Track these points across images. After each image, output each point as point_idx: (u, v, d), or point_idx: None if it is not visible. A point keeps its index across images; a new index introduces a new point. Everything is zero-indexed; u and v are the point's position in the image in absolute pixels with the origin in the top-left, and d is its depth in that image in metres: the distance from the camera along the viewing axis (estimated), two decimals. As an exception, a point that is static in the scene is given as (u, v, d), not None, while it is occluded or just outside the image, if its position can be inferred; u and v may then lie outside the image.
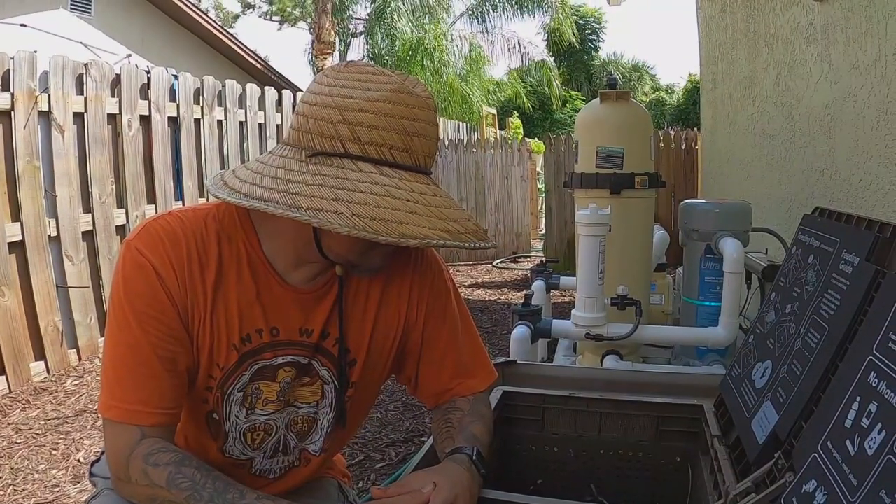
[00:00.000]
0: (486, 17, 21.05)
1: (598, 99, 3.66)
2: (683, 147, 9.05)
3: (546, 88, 22.60)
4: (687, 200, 3.71)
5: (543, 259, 8.62)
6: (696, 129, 9.29)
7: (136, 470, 1.23)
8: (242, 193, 1.22)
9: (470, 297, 7.47)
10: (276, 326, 1.38)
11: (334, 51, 17.48)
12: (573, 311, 3.30)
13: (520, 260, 10.15)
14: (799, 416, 1.29)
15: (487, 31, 21.15)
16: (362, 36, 20.09)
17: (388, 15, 18.33)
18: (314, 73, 19.98)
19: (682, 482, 1.74)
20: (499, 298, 7.50)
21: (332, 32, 16.99)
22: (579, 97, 29.07)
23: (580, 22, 29.75)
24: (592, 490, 1.83)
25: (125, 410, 1.26)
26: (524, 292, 3.76)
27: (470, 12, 21.22)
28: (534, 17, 21.58)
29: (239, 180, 1.26)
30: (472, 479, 1.31)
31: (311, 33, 20.58)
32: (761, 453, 1.35)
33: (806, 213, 1.80)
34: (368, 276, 1.43)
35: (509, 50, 21.51)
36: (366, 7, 20.09)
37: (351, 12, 20.41)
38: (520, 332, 3.21)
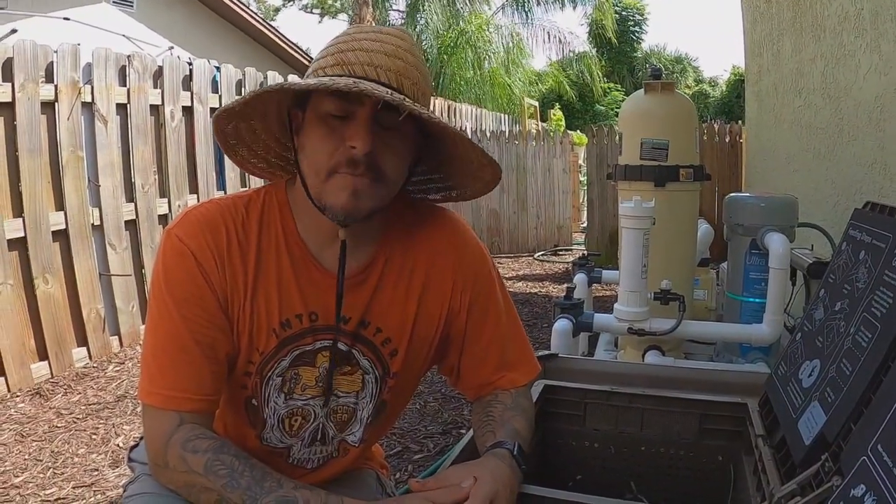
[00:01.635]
0: (528, 7, 20.95)
1: (642, 90, 3.62)
2: (728, 140, 8.95)
3: (588, 78, 22.46)
4: (732, 194, 3.66)
5: (585, 252, 8.58)
6: (739, 122, 9.18)
7: (173, 456, 1.24)
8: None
9: (511, 290, 7.41)
10: (315, 311, 1.38)
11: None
12: (615, 305, 3.27)
13: (561, 253, 10.11)
14: (848, 417, 1.25)
15: (529, 22, 21.07)
16: (401, 28, 20.10)
17: (423, 7, 18.35)
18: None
19: (724, 482, 1.71)
20: (539, 291, 7.47)
21: (373, 24, 17.02)
22: (618, 88, 28.86)
23: (623, 13, 29.54)
24: (632, 487, 1.81)
25: (164, 396, 1.27)
26: (565, 285, 3.74)
27: (512, 3, 21.13)
28: (575, 7, 21.48)
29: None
30: (513, 475, 1.29)
31: (351, 25, 20.65)
32: (807, 455, 1.32)
33: (857, 208, 1.76)
34: (341, 220, 1.30)
35: (550, 41, 21.42)
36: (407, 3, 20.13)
37: (391, 3, 20.44)
38: (561, 325, 3.19)
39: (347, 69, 1.23)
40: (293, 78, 1.20)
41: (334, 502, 1.18)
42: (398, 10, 20.79)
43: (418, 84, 1.29)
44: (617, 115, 24.43)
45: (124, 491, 1.49)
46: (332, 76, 1.22)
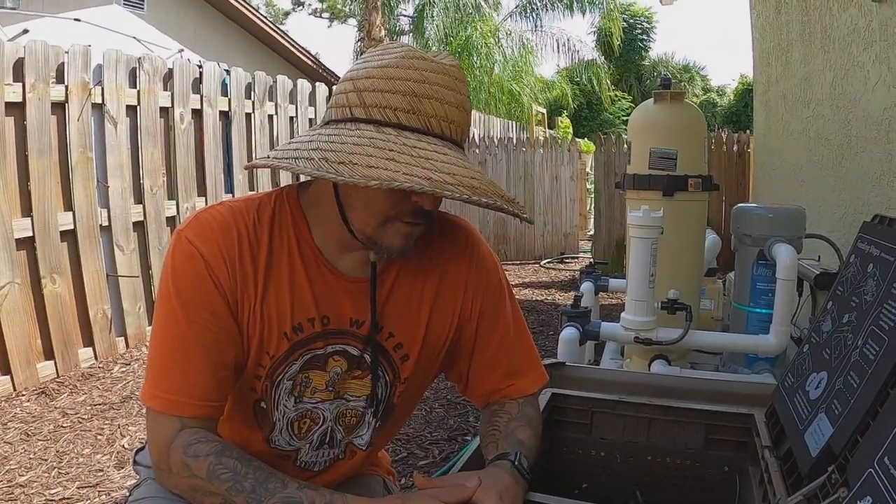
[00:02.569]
0: (537, 14, 20.97)
1: (651, 99, 3.62)
2: (735, 150, 8.94)
3: (596, 87, 22.46)
4: (740, 205, 3.65)
5: (592, 260, 8.57)
6: (748, 131, 9.17)
7: (176, 461, 1.24)
8: (255, 159, 1.26)
9: (517, 297, 7.42)
10: (328, 315, 1.38)
11: (384, 47, 17.56)
12: (622, 314, 3.27)
13: (567, 260, 10.10)
14: (855, 429, 1.25)
15: (537, 29, 21.08)
16: (410, 34, 20.17)
17: (428, 15, 18.39)
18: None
19: (729, 492, 1.71)
20: (546, 298, 7.47)
21: (383, 29, 17.05)
22: (624, 97, 28.86)
23: (630, 21, 29.53)
24: (638, 497, 1.81)
25: (167, 400, 1.27)
26: (572, 293, 3.74)
27: (520, 10, 21.15)
28: (584, 15, 21.49)
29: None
30: (516, 484, 1.29)
31: (360, 31, 20.68)
32: (814, 467, 1.32)
33: (865, 221, 1.76)
34: (393, 259, 1.37)
35: (558, 48, 21.43)
36: (414, 4, 20.18)
37: (401, 10, 20.49)
38: (568, 333, 3.19)
39: (424, 121, 1.19)
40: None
41: (338, 501, 1.18)
42: (407, 16, 20.85)
43: (465, 128, 1.28)
44: (624, 124, 24.36)
45: (130, 494, 1.49)
46: (409, 127, 1.19)
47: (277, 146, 1.29)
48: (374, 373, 1.44)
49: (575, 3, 20.65)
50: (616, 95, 28.15)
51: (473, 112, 13.52)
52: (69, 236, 4.65)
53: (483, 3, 19.42)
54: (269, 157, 1.23)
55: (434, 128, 1.20)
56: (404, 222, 1.27)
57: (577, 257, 10.26)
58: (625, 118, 25.80)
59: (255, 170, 6.45)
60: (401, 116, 1.19)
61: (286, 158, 1.18)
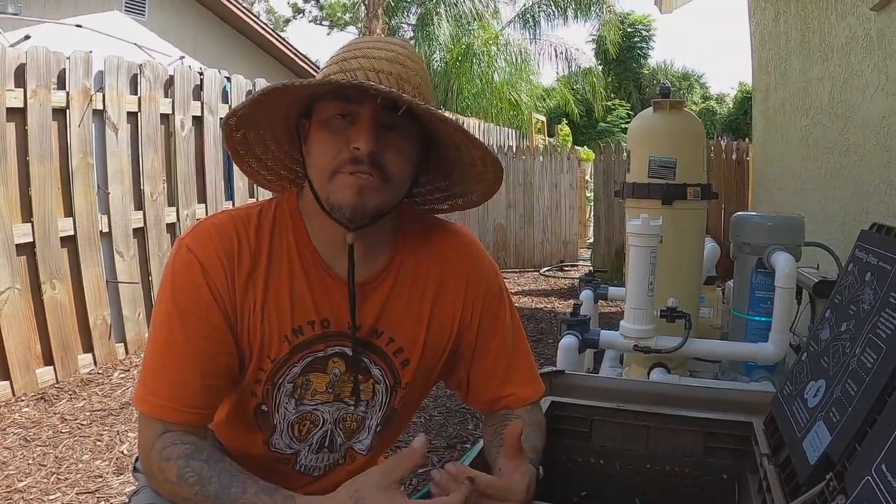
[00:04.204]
0: (536, 23, 21.01)
1: (650, 108, 3.63)
2: (734, 158, 8.94)
3: (591, 96, 22.49)
4: (739, 213, 3.66)
5: (591, 268, 8.58)
6: (747, 139, 9.18)
7: (154, 464, 1.26)
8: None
9: (516, 305, 7.37)
10: (328, 318, 1.39)
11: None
12: (622, 323, 3.27)
13: (566, 268, 10.10)
14: (853, 437, 1.26)
15: (537, 38, 21.12)
16: (411, 41, 20.22)
17: (430, 23, 18.42)
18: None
19: (728, 500, 1.72)
20: (545, 306, 7.47)
21: (381, 36, 17.09)
22: (622, 104, 28.89)
23: (629, 30, 29.57)
24: (637, 504, 1.81)
25: (153, 404, 1.29)
26: (571, 301, 3.74)
27: (520, 18, 21.19)
28: (583, 23, 21.54)
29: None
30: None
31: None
32: (812, 474, 1.32)
33: (863, 229, 1.77)
34: (348, 219, 1.32)
35: (556, 57, 21.46)
36: (414, 14, 20.23)
37: (402, 17, 20.53)
38: (568, 341, 3.19)
39: (350, 75, 1.24)
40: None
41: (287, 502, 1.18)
42: (408, 24, 20.89)
43: (419, 89, 1.31)
44: (622, 131, 24.35)
45: (129, 501, 1.50)
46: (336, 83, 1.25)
47: None
48: (356, 366, 1.43)
49: (574, 11, 20.68)
50: (612, 104, 28.14)
51: (473, 120, 13.55)
52: (69, 242, 4.65)
53: (484, 12, 19.45)
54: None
55: (361, 77, 1.24)
56: (345, 173, 1.27)
57: (576, 265, 10.27)
58: (623, 126, 25.81)
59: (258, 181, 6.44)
60: (332, 78, 1.24)
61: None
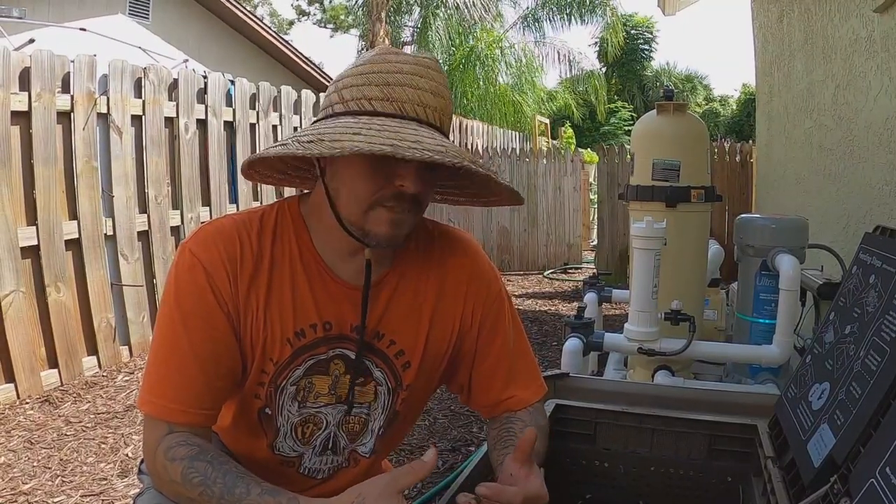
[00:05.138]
0: (539, 25, 21.02)
1: (654, 111, 3.63)
2: (738, 160, 8.93)
3: (594, 99, 22.48)
4: (743, 215, 3.66)
5: (595, 271, 8.56)
6: (750, 141, 9.16)
7: (159, 465, 1.26)
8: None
9: (520, 307, 7.44)
10: (330, 321, 1.40)
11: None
12: (626, 325, 3.27)
13: (570, 271, 10.09)
14: (857, 439, 1.26)
15: (539, 41, 21.11)
16: (413, 45, 20.23)
17: (429, 27, 18.45)
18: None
19: (733, 503, 1.72)
20: (549, 309, 7.47)
21: (387, 40, 17.09)
22: (625, 107, 28.88)
23: (632, 32, 29.57)
24: (641, 507, 1.81)
25: (158, 406, 1.29)
26: (575, 304, 3.74)
27: (523, 21, 21.19)
28: (587, 25, 21.53)
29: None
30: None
31: (363, 41, 20.72)
32: (817, 477, 1.32)
33: (867, 232, 1.77)
34: (383, 249, 1.38)
35: (560, 59, 21.45)
36: (410, 25, 20.28)
37: (405, 21, 20.55)
38: (572, 344, 3.19)
39: (398, 106, 1.25)
40: (339, 128, 1.17)
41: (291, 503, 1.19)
42: (410, 27, 20.89)
43: (451, 118, 1.33)
44: (625, 134, 24.30)
45: (133, 503, 1.50)
46: (383, 113, 1.24)
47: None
48: (357, 372, 1.44)
49: (577, 13, 20.67)
50: (616, 107, 28.15)
51: (476, 122, 13.55)
52: (74, 245, 4.66)
53: (485, 15, 19.45)
54: (254, 154, 1.31)
55: (409, 112, 1.26)
56: (387, 207, 1.29)
57: (580, 268, 10.25)
58: (626, 128, 25.81)
59: (257, 181, 6.46)
60: (375, 105, 1.25)
61: (267, 149, 1.26)
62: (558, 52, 21.28)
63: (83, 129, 4.66)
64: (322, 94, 7.58)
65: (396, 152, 1.14)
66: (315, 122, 1.31)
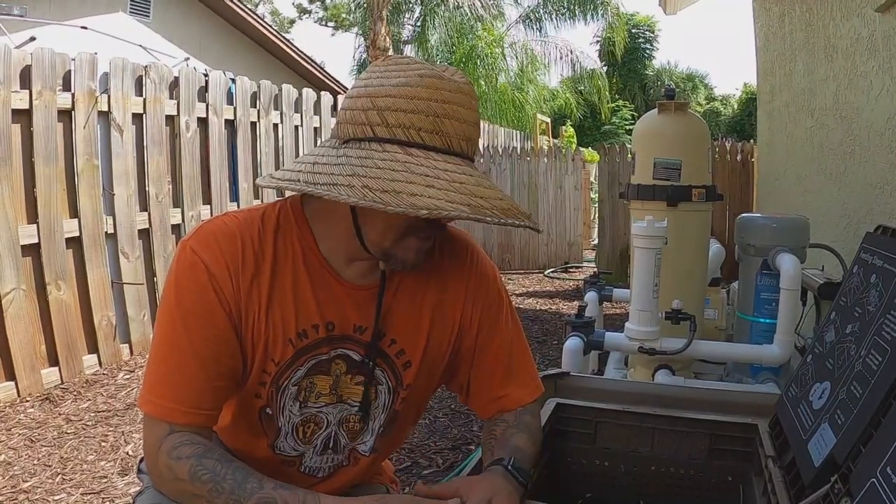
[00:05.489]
0: (541, 24, 21.02)
1: (655, 110, 3.62)
2: (739, 159, 8.92)
3: (596, 98, 22.47)
4: (744, 214, 3.65)
5: (596, 270, 8.56)
6: (752, 141, 9.16)
7: (162, 464, 1.25)
8: (275, 178, 1.27)
9: (521, 306, 7.44)
10: (332, 322, 1.39)
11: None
12: (627, 324, 3.27)
13: (571, 270, 10.10)
14: (858, 439, 1.26)
15: (542, 40, 21.11)
16: (412, 44, 20.26)
17: (430, 25, 18.45)
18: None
19: (733, 502, 1.72)
20: (550, 308, 7.47)
21: (388, 38, 17.08)
22: (626, 106, 28.88)
23: (633, 31, 29.56)
24: (641, 506, 1.81)
25: (159, 406, 1.28)
26: (576, 303, 3.74)
27: (524, 19, 21.19)
28: (587, 24, 21.56)
29: (281, 171, 1.30)
30: (510, 487, 1.32)
31: (364, 39, 20.71)
32: (817, 476, 1.32)
33: (868, 231, 1.77)
34: (407, 270, 1.41)
35: (561, 58, 21.44)
36: (416, 17, 20.28)
37: (405, 19, 20.55)
38: (573, 343, 3.19)
39: (446, 140, 1.23)
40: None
41: (311, 501, 1.19)
42: (411, 25, 20.89)
43: None
44: (626, 133, 24.29)
45: (133, 502, 1.50)
46: (432, 148, 1.22)
47: (298, 160, 1.29)
48: (371, 377, 1.45)
49: (578, 12, 20.67)
50: (617, 106, 28.16)
51: (477, 121, 13.53)
52: (74, 243, 4.66)
53: (484, 14, 19.44)
54: (298, 181, 1.23)
55: (454, 147, 1.24)
56: (420, 237, 1.31)
57: (580, 267, 10.26)
58: (627, 127, 25.81)
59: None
60: (424, 137, 1.21)
61: (322, 184, 1.18)
62: (560, 51, 21.28)
63: (84, 127, 4.66)
64: (323, 93, 7.60)
65: (476, 216, 1.16)
66: (351, 140, 1.25)
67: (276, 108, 6.77)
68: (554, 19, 20.98)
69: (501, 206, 1.20)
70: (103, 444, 3.68)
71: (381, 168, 1.17)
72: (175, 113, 5.48)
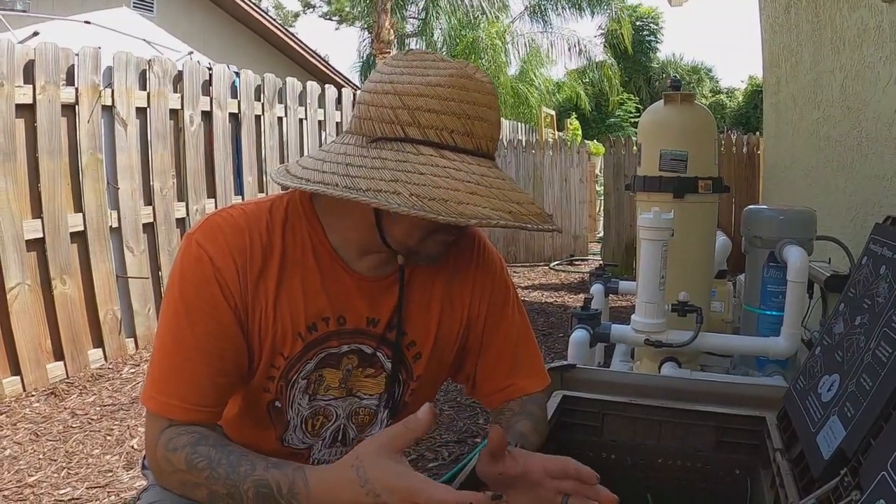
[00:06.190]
0: (546, 16, 20.99)
1: (661, 101, 3.60)
2: (745, 151, 8.91)
3: (606, 88, 22.41)
4: (751, 206, 3.64)
5: (601, 262, 8.55)
6: (757, 133, 9.14)
7: (161, 458, 1.24)
8: (303, 179, 1.23)
9: (527, 299, 7.43)
10: (343, 315, 1.38)
11: (393, 49, 17.57)
12: (633, 317, 3.26)
13: (577, 262, 10.10)
14: (867, 432, 1.25)
15: (548, 31, 21.10)
16: (416, 37, 20.25)
17: (434, 17, 18.45)
18: (365, 72, 20.29)
19: (741, 495, 1.71)
20: (555, 301, 7.46)
21: (392, 31, 17.08)
22: (631, 99, 28.83)
23: (638, 23, 29.49)
24: (648, 500, 1.80)
25: (161, 402, 1.27)
26: (582, 295, 3.73)
27: (530, 11, 21.16)
28: (592, 16, 21.52)
29: (301, 167, 1.27)
30: None
31: (369, 32, 20.69)
32: (826, 469, 1.31)
33: (878, 222, 1.76)
34: (428, 264, 1.42)
35: (569, 49, 21.41)
36: (419, 9, 20.28)
37: (409, 12, 20.55)
38: (579, 335, 3.18)
39: (476, 143, 1.22)
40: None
41: (299, 477, 1.15)
42: (414, 18, 20.88)
43: None
44: (631, 126, 24.27)
45: (139, 498, 1.50)
46: (464, 150, 1.21)
47: (321, 158, 1.26)
48: (395, 374, 1.45)
49: (583, 3, 20.64)
50: (622, 98, 28.12)
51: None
52: (79, 238, 4.67)
53: (487, 7, 19.42)
54: (336, 184, 1.18)
55: (483, 149, 1.24)
56: (446, 234, 1.31)
57: (586, 259, 10.26)
58: (632, 120, 25.77)
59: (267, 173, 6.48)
60: (457, 139, 1.20)
61: (365, 190, 1.15)
62: (567, 42, 21.26)
63: (88, 121, 4.67)
64: (328, 87, 7.59)
65: (518, 224, 1.16)
66: (381, 139, 1.22)
67: (280, 102, 6.77)
68: (559, 10, 20.96)
69: (534, 210, 1.21)
70: (108, 438, 3.68)
71: (423, 174, 1.15)
72: (179, 107, 5.48)
